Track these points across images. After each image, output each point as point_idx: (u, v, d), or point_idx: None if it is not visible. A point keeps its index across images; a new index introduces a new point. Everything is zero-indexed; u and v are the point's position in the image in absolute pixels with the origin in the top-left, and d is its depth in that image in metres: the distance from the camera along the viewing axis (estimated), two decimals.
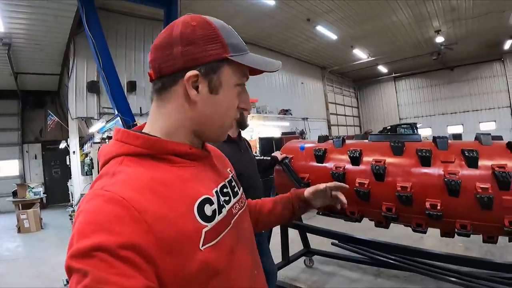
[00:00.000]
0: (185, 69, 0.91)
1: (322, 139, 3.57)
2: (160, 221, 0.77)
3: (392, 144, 2.92)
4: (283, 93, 17.95)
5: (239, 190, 1.16)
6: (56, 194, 14.37)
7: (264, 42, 16.02)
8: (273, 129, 14.71)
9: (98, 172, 0.92)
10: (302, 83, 20.22)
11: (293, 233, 4.74)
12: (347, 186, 1.46)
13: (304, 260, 4.93)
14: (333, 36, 15.57)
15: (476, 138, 2.82)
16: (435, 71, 24.75)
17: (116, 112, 6.87)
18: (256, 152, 10.42)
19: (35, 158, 14.99)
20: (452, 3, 13.06)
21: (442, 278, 3.41)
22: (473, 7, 13.44)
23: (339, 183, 1.46)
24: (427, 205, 2.64)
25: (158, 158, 0.90)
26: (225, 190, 1.04)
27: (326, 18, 13.69)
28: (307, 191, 1.47)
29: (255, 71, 1.05)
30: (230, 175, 1.16)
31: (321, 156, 3.25)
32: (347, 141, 3.38)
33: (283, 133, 12.97)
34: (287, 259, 4.57)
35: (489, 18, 14.57)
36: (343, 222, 3.49)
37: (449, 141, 2.82)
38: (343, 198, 1.43)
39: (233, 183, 1.13)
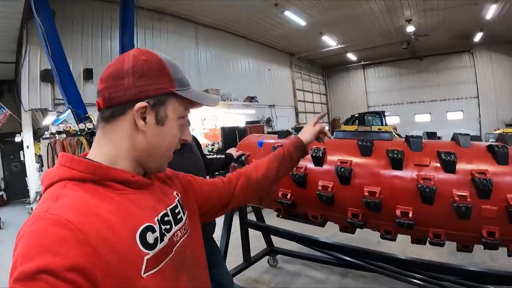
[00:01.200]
0: (135, 100, 0.96)
1: (283, 134, 3.25)
2: (104, 245, 0.78)
3: (359, 143, 2.61)
4: (249, 80, 17.67)
5: (184, 215, 1.15)
6: (17, 189, 13.63)
7: (231, 27, 15.78)
8: (238, 117, 14.51)
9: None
10: (269, 69, 20.01)
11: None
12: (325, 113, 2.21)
13: (268, 259, 4.78)
14: (302, 22, 15.38)
15: (453, 138, 2.54)
16: (405, 60, 25.08)
17: (67, 104, 6.38)
18: (218, 143, 10.18)
19: None
20: None
21: (407, 280, 3.27)
22: None
23: (320, 115, 1.94)
24: (398, 212, 2.36)
25: (101, 184, 0.92)
26: (166, 218, 1.04)
27: (295, 3, 13.46)
28: (307, 139, 1.79)
29: (196, 105, 1.11)
30: (176, 200, 1.15)
31: None
32: None
33: (247, 122, 12.71)
34: (248, 260, 4.42)
35: (461, 10, 14.75)
36: None
37: (424, 140, 2.54)
38: (328, 134, 1.92)
39: (178, 209, 1.13)
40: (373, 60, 25.91)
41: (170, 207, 1.09)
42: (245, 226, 4.35)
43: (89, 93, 9.26)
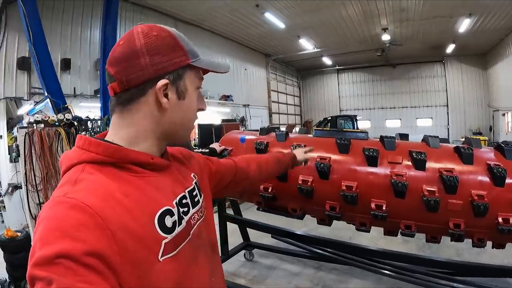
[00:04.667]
0: (155, 78, 0.93)
1: (264, 131, 3.40)
2: (123, 230, 0.78)
3: (338, 141, 2.81)
4: (225, 79, 17.23)
5: (200, 198, 1.15)
6: None
7: (209, 25, 15.64)
8: (213, 115, 14.47)
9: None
10: (245, 69, 19.99)
11: (231, 225, 4.62)
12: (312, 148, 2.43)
13: (244, 253, 4.86)
14: (281, 25, 15.43)
15: (424, 140, 2.80)
16: (378, 66, 25.55)
17: (46, 93, 6.25)
18: (194, 139, 10.20)
19: None
20: (402, 3, 13.29)
21: (379, 272, 3.46)
22: (422, 10, 13.77)
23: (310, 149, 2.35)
24: (373, 205, 2.58)
25: (120, 167, 0.90)
26: (184, 201, 1.03)
27: (275, 5, 13.47)
28: (298, 157, 2.13)
29: (205, 73, 1.11)
30: (193, 182, 1.15)
31: (262, 150, 3.07)
32: (291, 135, 3.23)
33: (223, 120, 12.73)
34: (226, 254, 4.47)
35: (436, 22, 15.15)
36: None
37: (397, 141, 2.77)
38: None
39: (195, 192, 1.13)
40: (347, 65, 26.24)
41: (188, 189, 1.09)
42: (223, 219, 4.43)
43: (66, 84, 9.03)
